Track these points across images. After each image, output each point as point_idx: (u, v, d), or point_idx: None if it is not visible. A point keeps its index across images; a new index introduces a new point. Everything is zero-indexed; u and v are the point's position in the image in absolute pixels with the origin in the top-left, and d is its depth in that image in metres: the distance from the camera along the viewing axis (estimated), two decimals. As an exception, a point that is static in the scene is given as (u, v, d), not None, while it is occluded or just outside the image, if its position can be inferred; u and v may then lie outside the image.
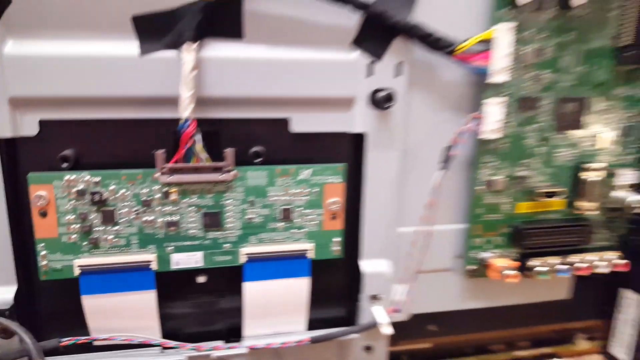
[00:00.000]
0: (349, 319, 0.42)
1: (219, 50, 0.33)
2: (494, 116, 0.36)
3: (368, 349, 0.41)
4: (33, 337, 0.32)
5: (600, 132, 0.39)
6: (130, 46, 0.32)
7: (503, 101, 0.36)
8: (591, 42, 0.37)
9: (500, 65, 0.35)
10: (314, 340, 0.38)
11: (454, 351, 0.49)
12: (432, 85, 0.37)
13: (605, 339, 0.49)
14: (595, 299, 0.48)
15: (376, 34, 0.34)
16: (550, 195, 0.40)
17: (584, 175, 0.39)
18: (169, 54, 0.32)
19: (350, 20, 0.34)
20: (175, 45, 0.32)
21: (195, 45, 0.32)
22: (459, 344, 0.48)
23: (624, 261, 0.41)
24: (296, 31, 0.34)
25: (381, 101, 0.35)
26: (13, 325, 0.33)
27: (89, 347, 0.36)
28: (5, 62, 0.31)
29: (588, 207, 0.40)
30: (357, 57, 0.35)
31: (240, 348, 0.37)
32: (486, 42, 0.35)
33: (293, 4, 0.33)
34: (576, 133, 0.39)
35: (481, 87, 0.36)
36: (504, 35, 0.34)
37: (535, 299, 0.45)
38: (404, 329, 0.43)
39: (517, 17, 0.35)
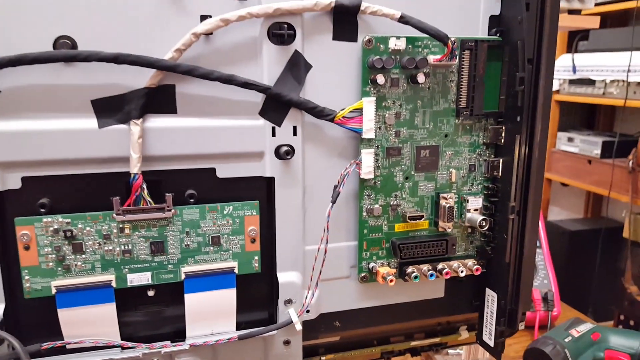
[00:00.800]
0: (270, 319, 0.53)
1: (159, 122, 0.45)
2: (368, 162, 0.49)
3: (287, 342, 0.53)
4: (20, 343, 0.43)
5: (451, 169, 0.53)
6: (91, 122, 0.43)
7: (374, 151, 0.49)
8: (437, 106, 0.51)
9: (368, 126, 0.48)
10: (240, 338, 0.50)
11: (361, 343, 0.61)
12: (322, 140, 0.49)
13: (481, 329, 0.63)
14: (470, 296, 0.61)
15: (276, 108, 0.47)
16: (417, 218, 0.53)
17: (442, 202, 0.52)
18: (121, 126, 0.44)
19: (257, 97, 0.46)
20: (125, 120, 0.43)
21: (140, 120, 0.43)
22: (364, 337, 0.60)
23: (476, 266, 0.55)
24: (218, 106, 0.46)
25: (283, 154, 0.48)
26: (4, 334, 0.43)
27: (63, 350, 0.46)
28: (-2, 136, 0.42)
29: (447, 226, 0.53)
30: (263, 123, 0.47)
31: (183, 346, 0.49)
32: (358, 110, 0.48)
33: (215, 87, 0.45)
34: (433, 171, 0.52)
35: (358, 141, 0.49)
36: (368, 105, 0.47)
37: (417, 297, 0.58)
38: (314, 326, 0.55)
39: (379, 92, 0.48)
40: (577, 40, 1.65)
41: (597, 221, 1.79)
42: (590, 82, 1.56)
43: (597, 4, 1.54)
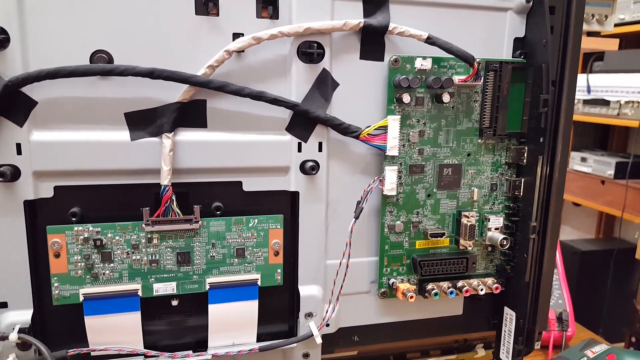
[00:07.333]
0: (290, 332, 0.54)
1: (189, 136, 0.46)
2: (391, 178, 0.50)
3: (306, 355, 0.54)
4: (47, 348, 0.44)
5: (473, 188, 0.53)
6: (123, 134, 0.44)
7: (397, 168, 0.50)
8: (460, 125, 0.51)
9: (392, 143, 0.48)
10: (261, 349, 0.50)
11: (378, 358, 0.61)
12: (346, 156, 0.50)
13: (498, 348, 0.63)
14: (488, 314, 0.61)
15: (302, 124, 0.48)
16: (438, 235, 0.53)
17: (463, 220, 0.53)
18: (153, 139, 0.45)
19: (285, 113, 0.47)
20: (157, 134, 0.45)
21: (172, 133, 0.44)
22: (381, 352, 0.60)
23: (496, 285, 0.55)
24: (246, 121, 0.47)
25: (308, 169, 0.48)
26: (33, 340, 0.44)
27: (89, 357, 0.47)
28: (32, 146, 0.43)
29: (467, 244, 0.54)
30: (290, 138, 0.48)
31: (205, 355, 0.49)
32: (383, 128, 0.48)
33: (244, 103, 0.46)
34: (455, 189, 0.53)
35: (382, 158, 0.50)
36: (393, 123, 0.48)
37: (435, 314, 0.58)
38: (333, 340, 0.55)
39: (404, 110, 0.49)
40: (592, 60, 1.66)
41: (609, 242, 1.78)
42: (605, 103, 1.57)
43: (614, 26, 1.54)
